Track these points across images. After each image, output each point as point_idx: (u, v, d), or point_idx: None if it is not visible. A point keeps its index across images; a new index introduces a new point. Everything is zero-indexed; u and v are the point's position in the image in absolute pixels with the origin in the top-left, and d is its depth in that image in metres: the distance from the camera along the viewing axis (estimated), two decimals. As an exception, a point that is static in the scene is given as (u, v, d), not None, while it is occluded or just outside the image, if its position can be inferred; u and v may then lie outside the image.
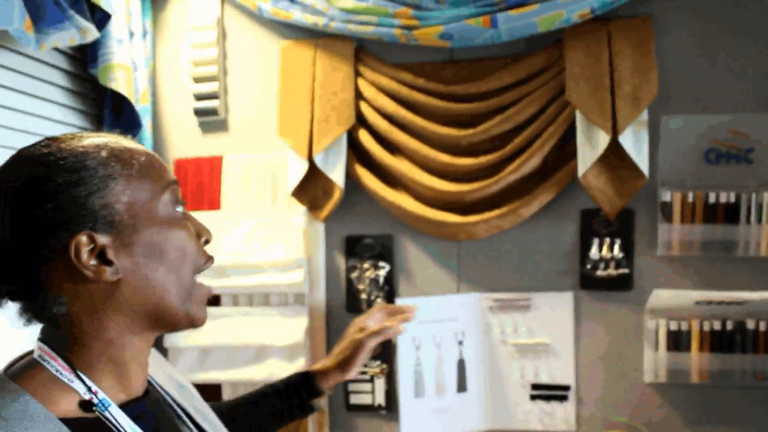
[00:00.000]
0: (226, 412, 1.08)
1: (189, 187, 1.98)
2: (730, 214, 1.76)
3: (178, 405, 0.86)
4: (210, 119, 2.00)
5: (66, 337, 0.73)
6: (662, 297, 1.70)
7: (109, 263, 0.71)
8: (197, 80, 1.98)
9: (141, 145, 0.79)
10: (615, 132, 1.70)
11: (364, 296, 1.90)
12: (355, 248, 1.91)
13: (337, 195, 1.87)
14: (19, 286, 0.71)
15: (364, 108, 1.87)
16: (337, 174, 1.87)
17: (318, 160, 1.85)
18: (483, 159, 1.81)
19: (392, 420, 1.87)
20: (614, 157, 1.74)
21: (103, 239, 0.70)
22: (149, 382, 0.81)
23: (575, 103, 1.73)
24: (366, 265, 1.91)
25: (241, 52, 1.97)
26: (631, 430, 1.76)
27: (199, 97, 1.99)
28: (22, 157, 0.73)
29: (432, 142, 1.84)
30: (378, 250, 1.90)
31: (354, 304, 1.90)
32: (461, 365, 1.83)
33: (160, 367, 0.88)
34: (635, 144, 1.74)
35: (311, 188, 1.91)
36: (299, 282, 1.89)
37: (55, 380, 0.71)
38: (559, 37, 1.77)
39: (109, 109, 1.84)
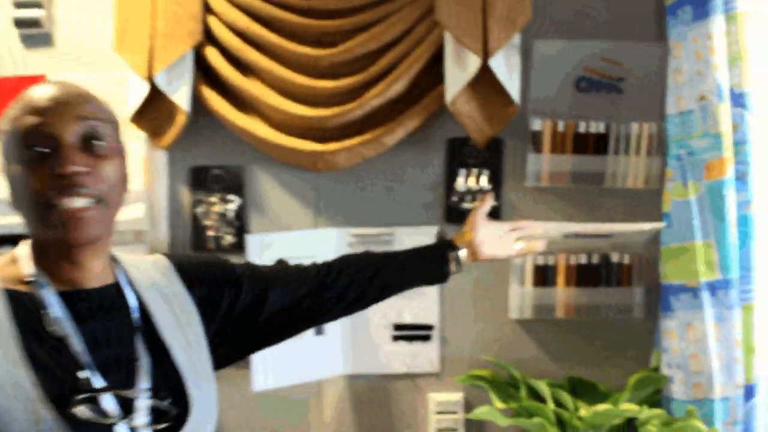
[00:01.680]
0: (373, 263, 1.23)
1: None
2: (599, 144, 1.73)
3: (144, 310, 0.96)
4: (33, 32, 1.77)
5: None
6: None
7: None
8: (15, -17, 1.73)
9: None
10: (486, 56, 1.61)
11: (211, 233, 1.75)
12: (201, 180, 1.76)
13: (181, 120, 1.70)
14: None
15: (213, 23, 1.70)
16: (181, 96, 1.69)
17: (160, 80, 1.67)
18: (345, 81, 1.68)
19: (243, 367, 1.75)
20: (484, 82, 1.66)
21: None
22: (118, 285, 0.96)
23: (444, 24, 1.63)
24: (214, 199, 1.75)
25: (67, -49, 1.74)
26: (498, 368, 1.72)
27: (20, 5, 1.75)
28: None
29: (289, 62, 1.70)
30: (227, 182, 1.76)
31: (200, 242, 1.76)
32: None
33: (144, 273, 1.01)
34: (507, 69, 1.67)
35: (152, 113, 1.73)
36: (138, 218, 1.72)
37: (16, 260, 0.93)
38: (428, -51, 1.65)
39: None
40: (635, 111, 1.75)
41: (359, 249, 1.76)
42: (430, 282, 1.31)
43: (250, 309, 1.08)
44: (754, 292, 1.66)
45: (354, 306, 1.21)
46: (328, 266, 1.21)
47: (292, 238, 1.72)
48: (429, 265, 1.28)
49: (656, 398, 1.70)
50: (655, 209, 1.75)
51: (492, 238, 1.34)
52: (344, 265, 1.21)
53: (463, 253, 1.30)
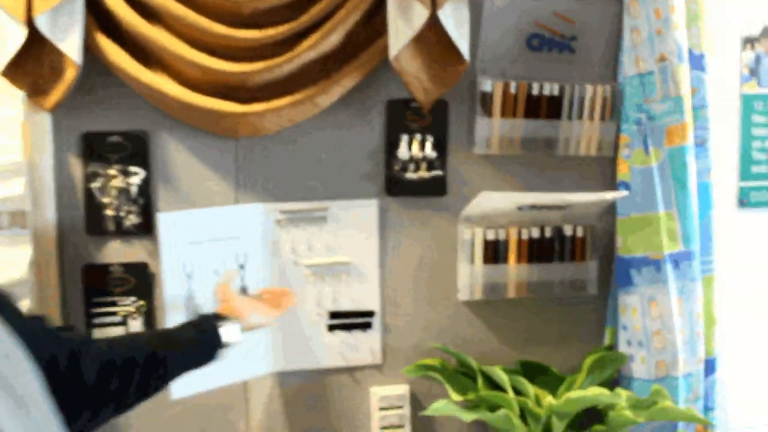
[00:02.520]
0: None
1: None
2: (552, 108, 1.59)
3: None
4: None
5: None
6: (488, 200, 1.49)
7: None
8: None
9: None
10: (434, 6, 1.43)
11: (110, 212, 1.48)
12: (96, 149, 1.48)
13: (70, 75, 1.41)
14: None
15: (108, -44, 1.41)
16: (70, 45, 1.40)
17: (42, 23, 1.37)
18: (271, 32, 1.45)
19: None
20: (431, 37, 1.49)
21: None
22: None
23: (386, -33, 1.44)
24: (113, 172, 1.48)
25: None
26: (447, 356, 1.56)
27: None
28: None
29: (204, 8, 1.45)
30: (129, 152, 1.49)
31: (97, 225, 1.48)
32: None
33: None
34: (456, 22, 1.50)
35: (33, 65, 1.43)
36: (16, 196, 1.42)
37: None
38: None
39: None
40: (588, 73, 1.63)
41: (289, 228, 1.55)
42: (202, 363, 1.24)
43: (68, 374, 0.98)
44: (714, 263, 1.59)
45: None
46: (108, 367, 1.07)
47: (209, 216, 1.48)
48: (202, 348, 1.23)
49: (611, 378, 1.61)
50: (607, 178, 1.66)
51: (250, 307, 1.34)
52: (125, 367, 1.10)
53: (235, 327, 1.27)
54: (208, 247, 1.46)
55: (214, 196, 1.52)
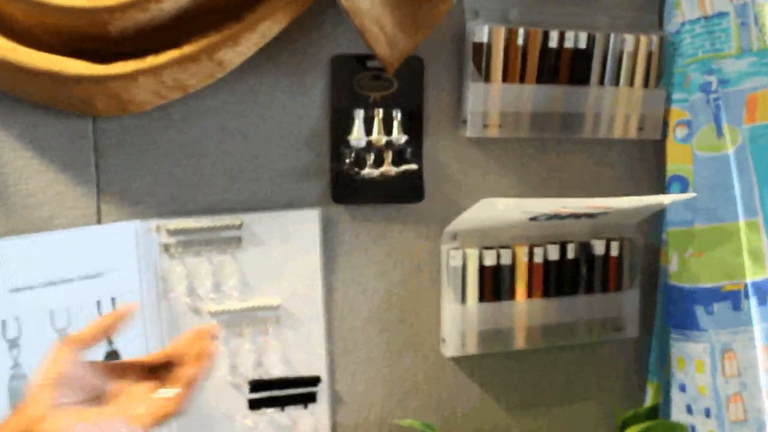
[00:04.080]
0: None
1: None
2: (578, 68, 1.10)
3: None
4: None
5: None
6: (490, 211, 0.99)
7: None
8: None
9: None
10: None
11: None
12: None
13: None
14: None
15: None
16: None
17: None
18: (141, -53, 0.91)
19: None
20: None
21: None
22: None
23: None
24: None
25: None
26: (422, 435, 1.07)
27: None
28: None
29: None
30: None
31: None
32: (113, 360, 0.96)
33: None
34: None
35: None
36: None
37: None
38: None
39: None
40: (626, 17, 1.14)
41: (183, 257, 1.02)
42: None
43: None
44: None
45: None
46: None
47: (48, 244, 0.94)
48: None
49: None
50: (651, 170, 1.18)
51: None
52: None
53: None
54: (46, 294, 0.93)
55: (62, 211, 0.97)
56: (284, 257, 1.05)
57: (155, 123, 0.99)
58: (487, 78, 1.07)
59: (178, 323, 1.02)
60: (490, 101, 1.07)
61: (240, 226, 1.02)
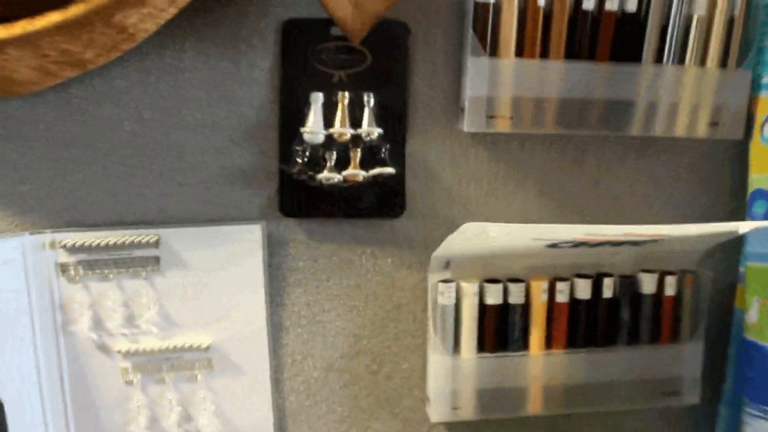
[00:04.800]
0: None
1: None
2: (624, 40, 0.80)
3: None
4: None
5: None
6: (480, 236, 0.72)
7: None
8: None
9: None
10: None
11: None
12: None
13: None
14: None
15: None
16: None
17: None
18: None
19: None
20: None
21: None
22: None
23: None
24: None
25: None
26: None
27: None
28: None
29: None
30: None
31: None
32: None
33: None
34: None
35: None
36: None
37: None
38: None
39: None
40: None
41: (86, 280, 0.80)
42: None
43: None
44: None
45: None
46: None
47: None
48: None
49: None
50: (727, 181, 0.87)
51: None
52: None
53: None
54: None
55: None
56: (217, 285, 0.81)
57: (50, 109, 0.77)
58: (494, 51, 0.79)
59: (81, 364, 0.81)
60: (499, 84, 0.79)
61: (157, 243, 0.79)
